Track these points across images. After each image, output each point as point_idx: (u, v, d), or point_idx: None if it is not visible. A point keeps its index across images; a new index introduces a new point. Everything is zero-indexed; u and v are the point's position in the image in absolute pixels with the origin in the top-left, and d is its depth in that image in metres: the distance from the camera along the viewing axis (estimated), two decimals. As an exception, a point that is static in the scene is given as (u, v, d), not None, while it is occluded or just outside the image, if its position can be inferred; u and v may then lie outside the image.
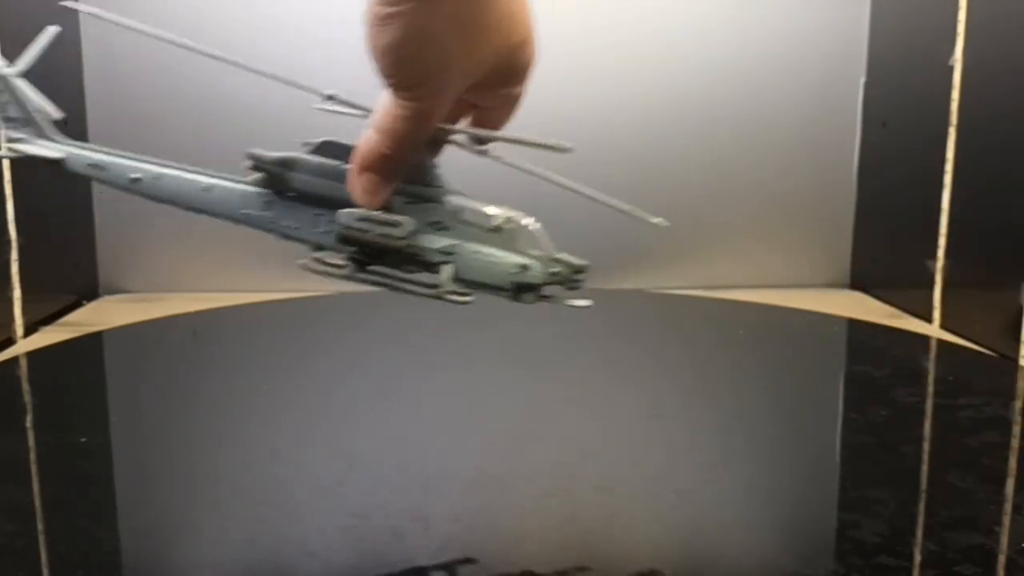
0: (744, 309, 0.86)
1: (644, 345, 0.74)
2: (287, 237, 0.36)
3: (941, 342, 0.75)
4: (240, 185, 0.36)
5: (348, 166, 0.33)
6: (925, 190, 0.81)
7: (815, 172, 0.97)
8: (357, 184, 0.33)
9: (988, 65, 0.75)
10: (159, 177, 0.38)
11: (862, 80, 0.95)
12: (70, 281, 0.89)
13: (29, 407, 0.58)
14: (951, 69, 0.78)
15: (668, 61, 0.94)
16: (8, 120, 0.40)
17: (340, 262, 0.35)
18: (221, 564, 0.37)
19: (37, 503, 0.43)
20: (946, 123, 0.79)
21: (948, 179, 0.79)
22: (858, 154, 0.97)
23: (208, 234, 0.91)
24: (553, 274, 0.32)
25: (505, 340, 0.71)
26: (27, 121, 0.40)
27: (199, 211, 0.37)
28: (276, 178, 0.35)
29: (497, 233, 0.32)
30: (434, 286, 0.33)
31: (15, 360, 0.68)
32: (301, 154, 0.35)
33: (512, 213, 0.33)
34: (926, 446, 0.51)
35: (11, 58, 0.39)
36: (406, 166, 0.33)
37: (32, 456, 0.49)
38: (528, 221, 0.33)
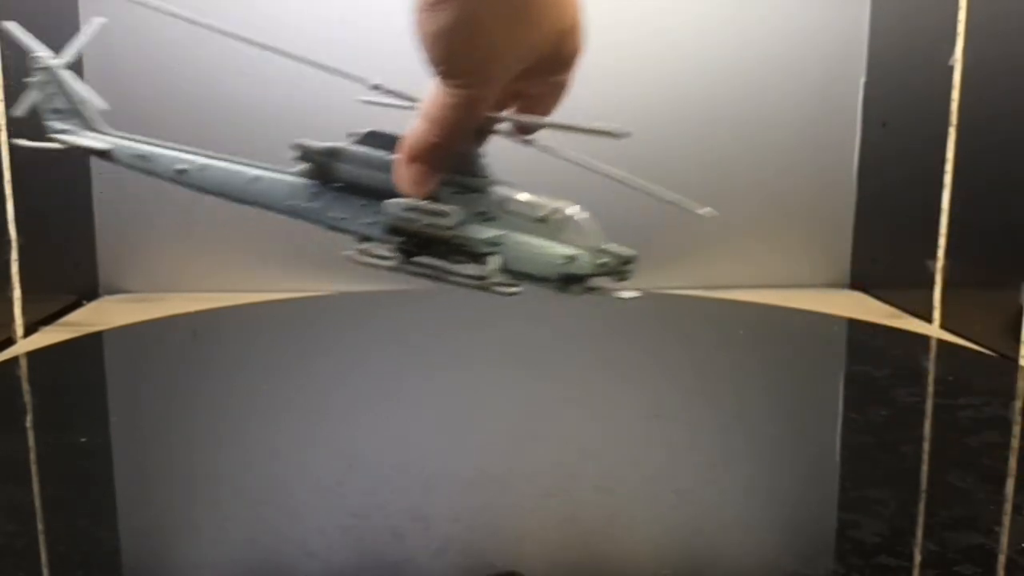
0: (744, 309, 0.86)
1: (644, 345, 0.74)
2: (333, 228, 0.35)
3: (941, 342, 0.75)
4: (287, 176, 0.36)
5: (394, 156, 0.33)
6: (925, 190, 0.81)
7: (815, 172, 0.97)
8: (405, 173, 0.32)
9: (988, 65, 0.75)
10: (205, 168, 0.37)
11: (862, 80, 0.95)
12: (70, 281, 0.88)
13: (29, 407, 0.58)
14: (951, 69, 0.78)
15: (668, 61, 0.94)
16: (55, 112, 0.40)
17: (387, 253, 0.34)
18: (221, 564, 0.37)
19: (37, 503, 0.43)
20: (946, 123, 0.79)
21: (948, 179, 0.79)
22: (858, 154, 0.97)
23: (208, 234, 0.92)
24: (601, 265, 0.32)
25: (505, 340, 0.71)
26: (74, 112, 0.40)
27: (245, 202, 0.37)
28: (323, 168, 0.35)
29: (544, 223, 0.32)
30: (481, 277, 0.33)
31: (15, 360, 0.68)
32: (347, 144, 0.34)
33: (559, 203, 0.32)
34: (926, 446, 0.51)
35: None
36: (454, 155, 0.32)
37: (32, 456, 0.49)
38: (574, 210, 0.32)
